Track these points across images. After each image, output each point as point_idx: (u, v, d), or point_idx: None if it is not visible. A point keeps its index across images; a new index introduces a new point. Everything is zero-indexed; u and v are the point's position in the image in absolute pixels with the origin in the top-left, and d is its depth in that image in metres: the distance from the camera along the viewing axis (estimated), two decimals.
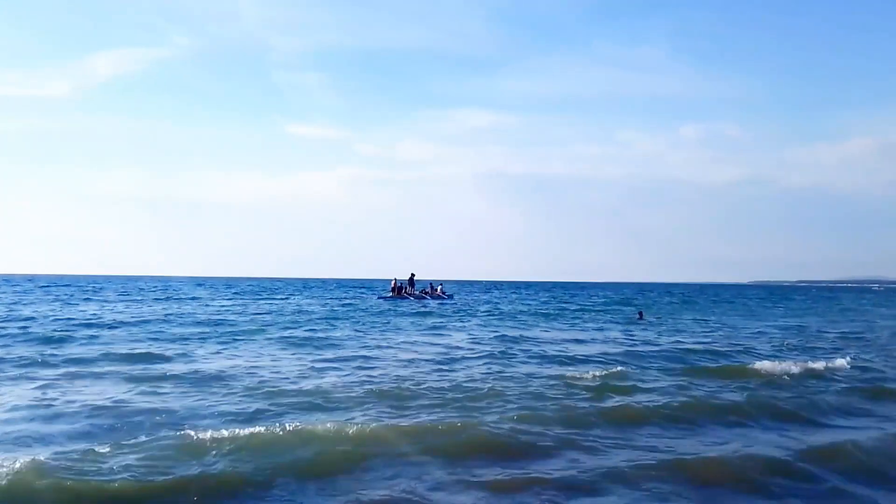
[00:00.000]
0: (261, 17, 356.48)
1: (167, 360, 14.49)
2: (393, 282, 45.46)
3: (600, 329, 25.43)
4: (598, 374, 12.92)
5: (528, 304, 45.76)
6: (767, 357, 16.06)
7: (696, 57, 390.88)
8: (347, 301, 45.62)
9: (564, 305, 44.72)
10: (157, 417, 8.84)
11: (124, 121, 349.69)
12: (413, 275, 45.29)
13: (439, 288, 47.60)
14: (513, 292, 76.46)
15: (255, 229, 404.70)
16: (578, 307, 42.82)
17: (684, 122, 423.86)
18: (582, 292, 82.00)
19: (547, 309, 39.71)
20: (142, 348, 16.31)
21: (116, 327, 22.27)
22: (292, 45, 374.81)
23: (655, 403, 10.12)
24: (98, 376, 12.18)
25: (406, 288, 44.81)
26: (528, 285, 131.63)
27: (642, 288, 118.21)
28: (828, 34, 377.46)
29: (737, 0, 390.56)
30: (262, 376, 12.28)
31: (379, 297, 45.36)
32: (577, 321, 29.99)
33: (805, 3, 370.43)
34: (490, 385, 11.43)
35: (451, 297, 48.38)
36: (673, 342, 20.28)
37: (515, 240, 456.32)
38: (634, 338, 21.60)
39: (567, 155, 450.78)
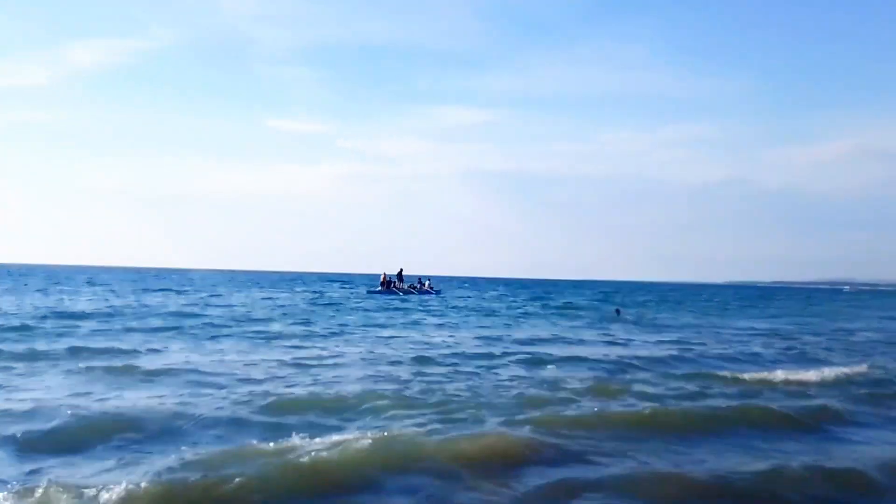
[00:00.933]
0: (243, 10, 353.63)
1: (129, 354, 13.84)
2: (382, 276, 46.03)
3: (580, 328, 25.08)
4: (585, 376, 12.50)
5: (511, 301, 45.45)
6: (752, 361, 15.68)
7: (676, 58, 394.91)
8: (330, 294, 45.17)
9: (546, 303, 44.40)
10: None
11: (102, 112, 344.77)
12: (402, 270, 46.11)
13: (427, 283, 47.99)
14: (493, 289, 75.97)
15: (236, 223, 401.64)
16: (560, 305, 42.59)
17: (665, 122, 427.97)
18: (561, 290, 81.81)
19: (530, 307, 39.40)
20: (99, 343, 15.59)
21: (81, 318, 21.49)
22: (276, 38, 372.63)
23: (644, 409, 9.64)
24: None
25: (395, 282, 45.50)
26: (508, 282, 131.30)
27: (619, 286, 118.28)
28: (804, 39, 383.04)
29: (716, 3, 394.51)
30: (238, 376, 11.60)
31: (369, 292, 46.03)
32: (559, 319, 29.69)
33: (782, 8, 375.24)
34: (476, 389, 10.92)
35: (438, 292, 48.70)
36: (656, 342, 19.96)
37: (497, 237, 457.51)
38: (615, 337, 21.22)
39: (549, 153, 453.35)
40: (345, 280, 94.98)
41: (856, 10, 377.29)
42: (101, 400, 9.34)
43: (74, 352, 13.84)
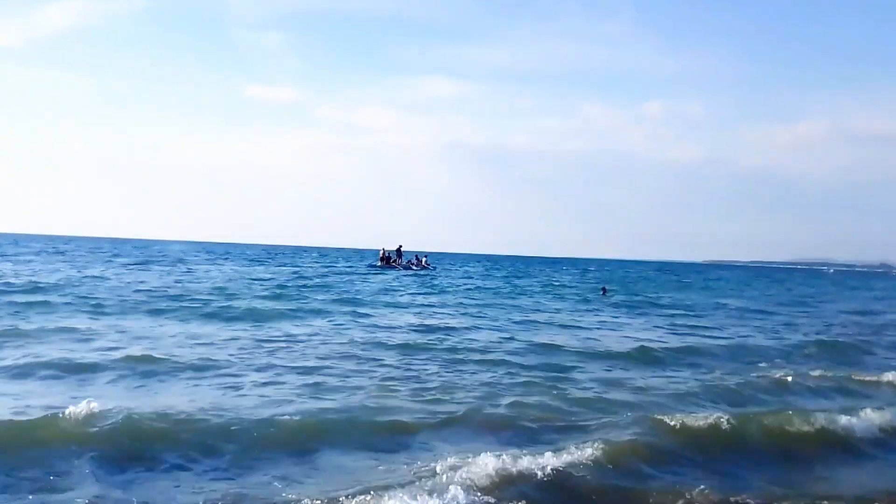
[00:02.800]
0: None
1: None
2: (381, 251, 47.34)
3: (574, 309, 23.46)
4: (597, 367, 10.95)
5: (493, 279, 43.73)
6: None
7: (659, 33, 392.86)
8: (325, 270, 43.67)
9: (533, 280, 42.78)
10: None
11: (73, 75, 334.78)
12: (400, 246, 47.17)
13: (424, 259, 48.87)
14: (472, 265, 74.02)
15: (208, 192, 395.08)
16: (544, 283, 41.09)
17: (648, 98, 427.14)
18: (542, 267, 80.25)
19: (519, 284, 37.90)
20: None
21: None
22: (254, 3, 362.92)
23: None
24: None
25: (394, 258, 46.33)
26: (480, 258, 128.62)
27: (599, 264, 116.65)
28: (786, 18, 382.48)
29: None
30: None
31: (369, 266, 47.45)
32: (549, 297, 27.98)
33: None
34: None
35: (434, 268, 49.86)
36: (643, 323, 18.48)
37: (473, 211, 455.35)
38: (612, 318, 19.46)
39: (530, 128, 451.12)
40: (322, 253, 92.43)
41: None
42: None
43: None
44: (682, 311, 23.84)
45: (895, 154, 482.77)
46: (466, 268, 62.75)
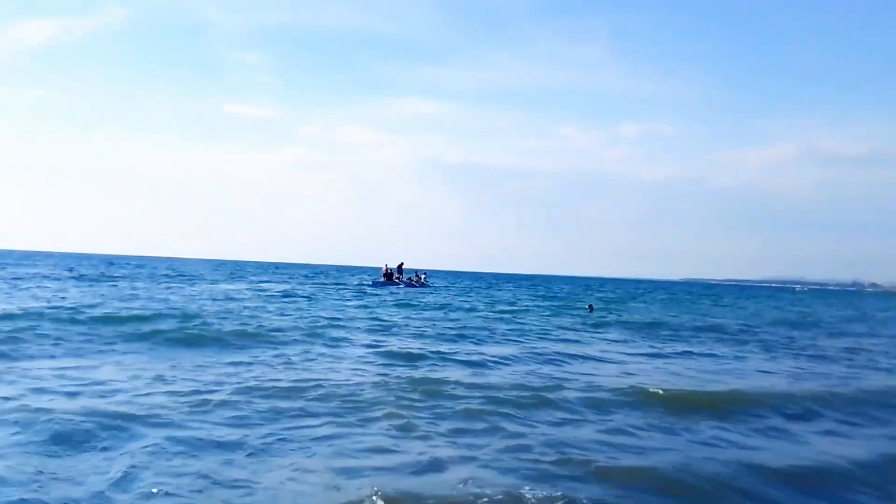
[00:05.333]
0: None
1: None
2: (384, 268, 49.13)
3: (564, 328, 22.40)
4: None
5: (476, 299, 42.82)
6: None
7: (633, 58, 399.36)
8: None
9: (513, 300, 41.93)
10: None
11: (53, 93, 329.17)
12: (402, 263, 49.16)
13: (423, 276, 50.87)
14: (449, 284, 73.34)
15: (190, 208, 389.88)
16: (528, 302, 39.53)
17: (622, 120, 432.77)
18: (516, 285, 78.76)
19: (506, 305, 36.71)
20: None
21: None
22: (234, 21, 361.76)
23: None
24: None
25: (395, 274, 48.36)
26: (458, 275, 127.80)
27: (574, 282, 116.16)
28: (756, 42, 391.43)
29: (673, 4, 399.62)
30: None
31: (373, 283, 48.69)
32: (536, 319, 26.29)
33: (736, 11, 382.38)
34: None
35: (431, 284, 52.23)
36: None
37: (452, 228, 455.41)
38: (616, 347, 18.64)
39: (506, 147, 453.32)
40: (317, 270, 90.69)
41: (805, 19, 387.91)
42: None
43: None
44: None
45: (864, 175, 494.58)
46: (457, 284, 61.88)
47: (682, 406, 9.71)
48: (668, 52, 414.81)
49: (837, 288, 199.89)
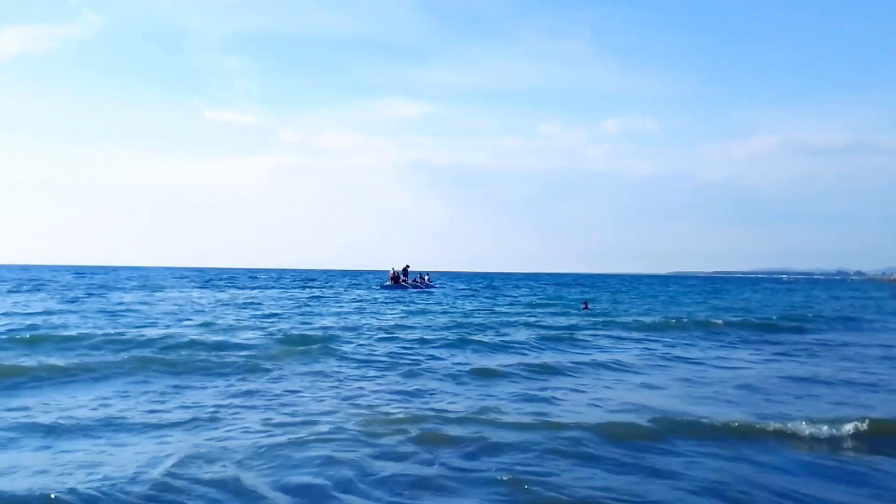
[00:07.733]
0: None
1: None
2: (391, 271, 50.75)
3: (565, 327, 21.23)
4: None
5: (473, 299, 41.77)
6: None
7: (615, 54, 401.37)
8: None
9: (506, 298, 41.03)
10: None
11: (31, 101, 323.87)
12: (407, 266, 51.54)
13: (426, 278, 53.10)
14: (456, 283, 72.40)
15: (172, 216, 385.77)
16: (524, 301, 38.48)
17: (605, 116, 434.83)
18: (506, 283, 78.26)
19: (497, 304, 35.83)
20: None
21: None
22: (213, 26, 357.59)
23: None
24: None
25: (402, 277, 50.14)
26: (447, 276, 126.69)
27: (563, 279, 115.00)
28: (736, 36, 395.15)
29: (650, 3, 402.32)
30: None
31: (382, 286, 50.37)
32: (535, 317, 25.51)
33: (717, 5, 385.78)
34: None
35: (434, 285, 54.35)
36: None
37: (439, 230, 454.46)
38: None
39: (491, 147, 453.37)
40: (311, 275, 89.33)
41: (786, 12, 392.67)
42: None
43: None
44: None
45: (845, 165, 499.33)
46: (451, 284, 61.34)
47: None
48: (650, 48, 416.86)
49: (823, 277, 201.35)
